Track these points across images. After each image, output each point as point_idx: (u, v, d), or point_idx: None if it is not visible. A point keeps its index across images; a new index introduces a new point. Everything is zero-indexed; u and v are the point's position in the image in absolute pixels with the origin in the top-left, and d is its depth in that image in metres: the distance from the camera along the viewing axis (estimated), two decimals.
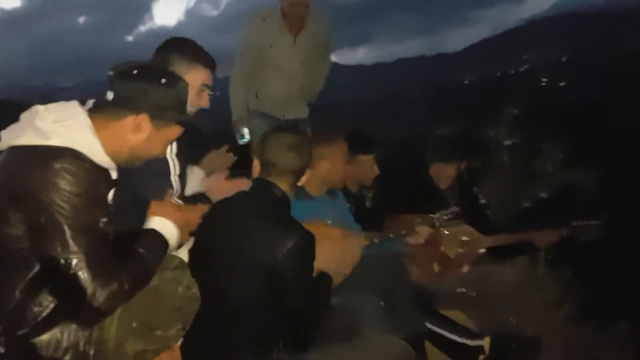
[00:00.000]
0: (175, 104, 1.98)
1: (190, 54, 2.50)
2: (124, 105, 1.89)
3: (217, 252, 2.09)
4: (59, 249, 1.70)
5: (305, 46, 4.24)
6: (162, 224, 1.99)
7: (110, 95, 1.90)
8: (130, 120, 1.90)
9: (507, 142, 5.64)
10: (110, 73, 1.91)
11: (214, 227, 2.20)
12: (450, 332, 3.46)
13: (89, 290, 1.70)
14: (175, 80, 2.00)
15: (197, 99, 2.55)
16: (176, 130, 2.03)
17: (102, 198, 1.85)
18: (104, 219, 1.83)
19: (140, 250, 1.90)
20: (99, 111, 1.90)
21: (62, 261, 1.70)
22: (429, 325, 3.43)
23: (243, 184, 2.45)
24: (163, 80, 1.94)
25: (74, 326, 1.85)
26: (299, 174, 2.29)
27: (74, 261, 1.70)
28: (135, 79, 1.91)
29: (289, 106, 4.35)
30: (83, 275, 1.70)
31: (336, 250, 2.49)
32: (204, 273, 2.08)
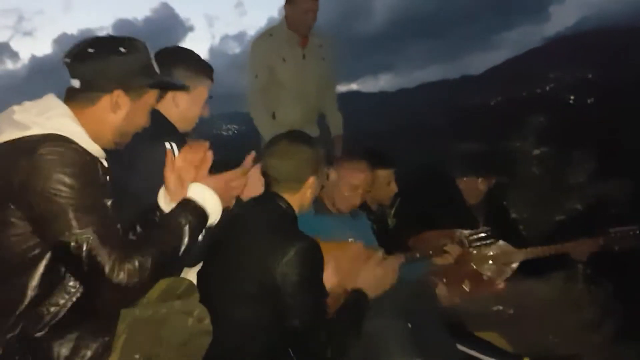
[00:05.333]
0: (143, 68, 1.89)
1: (195, 67, 2.42)
2: (94, 88, 1.82)
3: (221, 271, 1.96)
4: (66, 232, 1.62)
5: (315, 58, 4.27)
6: (195, 191, 1.88)
7: (76, 83, 1.82)
8: (106, 101, 1.83)
9: (536, 152, 5.45)
10: (67, 60, 1.82)
11: (218, 244, 2.08)
12: (486, 355, 3.26)
13: (107, 267, 1.61)
14: (133, 43, 1.89)
15: (201, 110, 2.49)
16: (153, 95, 1.95)
17: (99, 178, 1.77)
18: (109, 201, 1.76)
19: (161, 222, 1.83)
20: (72, 100, 1.83)
21: (73, 244, 1.62)
22: (462, 349, 3.25)
23: None
24: (122, 49, 1.84)
25: (90, 332, 1.73)
26: (296, 183, 2.15)
27: (85, 241, 1.62)
28: (95, 58, 1.81)
29: (304, 127, 4.32)
30: (98, 252, 1.61)
31: (376, 270, 2.32)
32: (208, 294, 1.95)
